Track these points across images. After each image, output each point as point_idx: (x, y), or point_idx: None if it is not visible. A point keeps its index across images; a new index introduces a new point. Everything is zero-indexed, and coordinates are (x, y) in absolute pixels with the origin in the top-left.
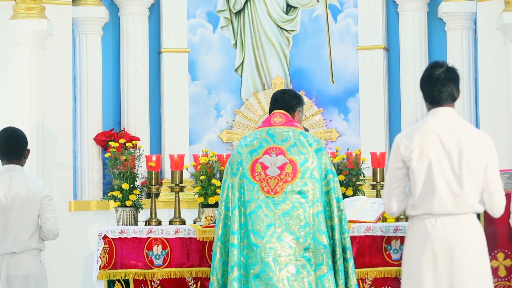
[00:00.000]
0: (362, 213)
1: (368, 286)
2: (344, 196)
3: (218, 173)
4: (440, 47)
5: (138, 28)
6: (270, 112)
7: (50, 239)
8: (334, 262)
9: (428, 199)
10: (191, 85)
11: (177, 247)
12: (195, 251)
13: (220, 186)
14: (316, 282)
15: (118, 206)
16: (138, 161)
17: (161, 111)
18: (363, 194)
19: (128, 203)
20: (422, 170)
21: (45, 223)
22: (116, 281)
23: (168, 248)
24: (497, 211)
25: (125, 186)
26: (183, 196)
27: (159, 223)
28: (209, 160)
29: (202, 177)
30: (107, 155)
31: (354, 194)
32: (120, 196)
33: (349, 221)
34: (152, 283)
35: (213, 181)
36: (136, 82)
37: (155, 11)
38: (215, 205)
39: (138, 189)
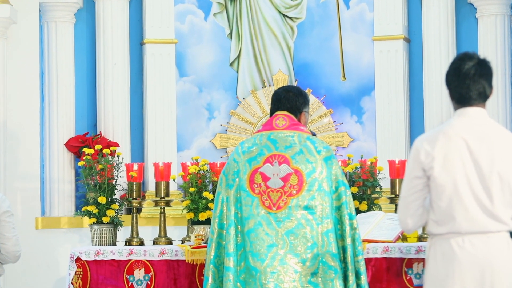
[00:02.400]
0: (379, 231)
1: None
2: (358, 211)
3: (211, 185)
4: (470, 36)
5: (117, 15)
6: (271, 113)
7: (11, 262)
8: None
9: (454, 215)
10: (179, 82)
11: (163, 271)
12: (183, 276)
13: (213, 200)
14: None
15: (94, 223)
16: (117, 171)
17: (144, 112)
18: (380, 209)
19: (105, 219)
20: (446, 181)
21: (5, 244)
22: None
23: (152, 273)
24: None
25: (102, 199)
26: (170, 211)
27: (142, 243)
28: (200, 170)
29: (191, 189)
30: (80, 163)
31: (369, 209)
32: (95, 211)
33: (364, 241)
34: None
35: (205, 194)
36: (115, 78)
37: None
38: (207, 222)
39: (117, 203)
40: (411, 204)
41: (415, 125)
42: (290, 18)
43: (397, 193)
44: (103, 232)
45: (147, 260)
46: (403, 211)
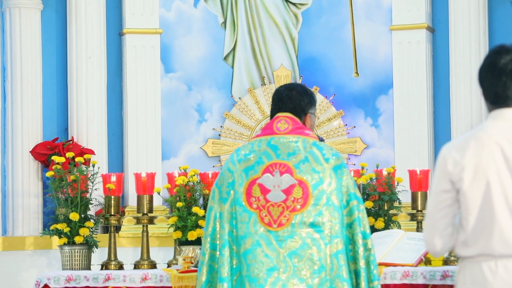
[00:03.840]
0: (398, 253)
1: None
2: (373, 229)
3: (201, 199)
4: (504, 25)
5: (92, 0)
6: (271, 115)
7: None
8: None
9: (485, 234)
10: (165, 79)
11: None
12: None
13: (203, 217)
14: None
15: (64, 244)
16: (92, 183)
17: (124, 114)
18: (399, 227)
19: (77, 239)
20: (477, 195)
21: None
22: None
23: None
24: None
25: (74, 216)
26: (154, 230)
27: (121, 267)
28: (189, 181)
29: (179, 204)
30: (49, 174)
31: (387, 228)
32: (66, 230)
33: (380, 264)
34: None
35: (195, 209)
36: (89, 74)
37: None
38: (198, 242)
39: (92, 221)
40: (438, 222)
41: (440, 129)
42: (294, 4)
43: (419, 209)
44: (76, 254)
45: (127, 287)
46: (430, 230)
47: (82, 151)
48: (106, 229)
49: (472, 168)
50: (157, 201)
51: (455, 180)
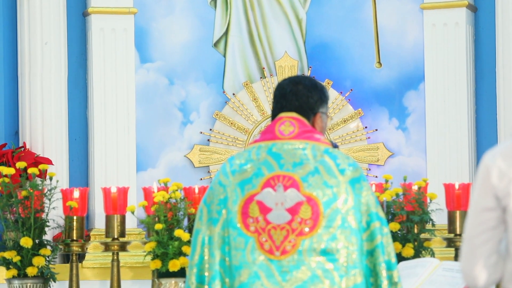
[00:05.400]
0: (431, 287)
1: None
2: (400, 258)
3: (186, 220)
4: None
5: None
6: (273, 116)
7: None
8: None
9: None
10: (140, 70)
11: None
12: None
13: (188, 242)
14: None
15: (14, 276)
16: (49, 200)
17: (89, 114)
18: (432, 255)
19: (30, 271)
20: None
21: None
22: None
23: None
24: None
25: (26, 242)
26: (127, 258)
27: None
28: (171, 198)
29: (158, 226)
30: None
31: (417, 256)
32: (17, 259)
33: None
34: None
35: (177, 232)
36: (46, 64)
37: None
38: (181, 273)
39: (49, 248)
40: (480, 248)
41: (484, 133)
42: None
43: (457, 232)
44: None
45: None
46: (469, 259)
47: (36, 161)
48: (66, 258)
49: None
50: (131, 223)
51: (501, 195)
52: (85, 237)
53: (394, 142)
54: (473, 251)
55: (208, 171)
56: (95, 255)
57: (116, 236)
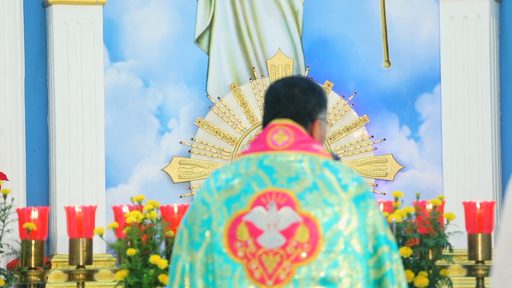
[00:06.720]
0: None
1: None
2: None
3: (163, 244)
4: None
5: None
6: (265, 123)
7: None
8: None
9: None
10: (110, 70)
11: None
12: None
13: (166, 270)
14: None
15: None
16: (3, 221)
17: (50, 121)
18: (450, 285)
19: None
20: None
21: None
22: None
23: None
24: None
25: None
26: None
27: None
28: (145, 218)
29: (131, 252)
30: None
31: (433, 286)
32: None
33: None
34: None
35: (153, 259)
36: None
37: None
38: None
39: (2, 277)
40: (511, 279)
41: (511, 142)
42: None
43: (479, 259)
44: None
45: None
46: None
47: None
48: None
49: None
50: (99, 248)
51: None
52: (45, 265)
53: (405, 153)
54: (504, 282)
55: (189, 187)
56: (57, 285)
57: (81, 263)
